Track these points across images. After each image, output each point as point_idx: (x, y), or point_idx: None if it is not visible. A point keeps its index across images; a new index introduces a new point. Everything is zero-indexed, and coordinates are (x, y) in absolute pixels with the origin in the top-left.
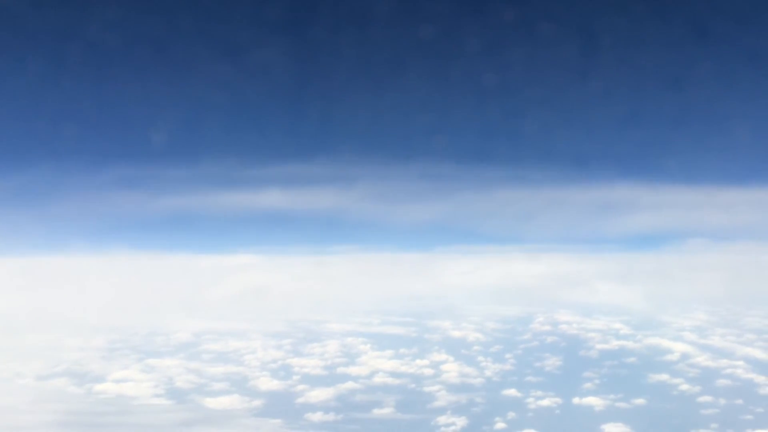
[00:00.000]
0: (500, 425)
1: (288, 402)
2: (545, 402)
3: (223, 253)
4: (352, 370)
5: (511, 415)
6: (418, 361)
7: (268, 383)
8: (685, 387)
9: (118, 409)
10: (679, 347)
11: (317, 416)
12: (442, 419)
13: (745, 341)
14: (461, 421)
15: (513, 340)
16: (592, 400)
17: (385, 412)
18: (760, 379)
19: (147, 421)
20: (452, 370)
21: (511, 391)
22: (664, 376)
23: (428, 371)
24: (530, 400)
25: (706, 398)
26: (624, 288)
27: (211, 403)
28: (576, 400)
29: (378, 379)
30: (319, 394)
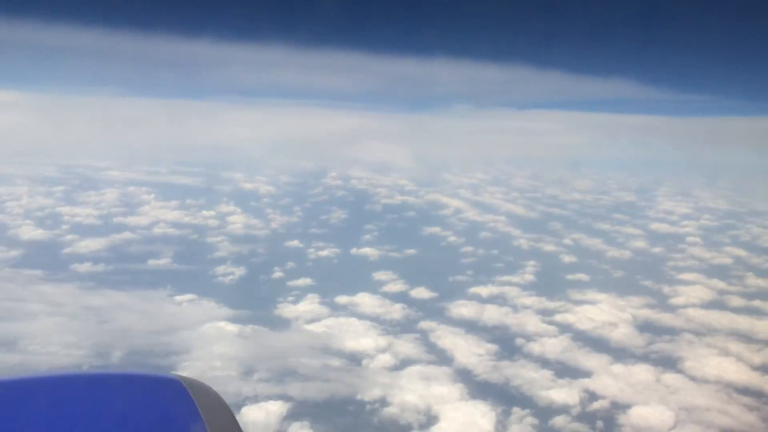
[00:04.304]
0: (278, 275)
1: (52, 252)
2: (324, 252)
3: None
4: (131, 220)
5: (290, 264)
6: (204, 212)
7: (31, 232)
8: (452, 238)
9: None
10: (454, 203)
11: (84, 267)
12: (220, 269)
13: (510, 199)
14: (240, 271)
15: (304, 193)
16: (368, 251)
17: (162, 262)
18: (515, 232)
19: None
20: (238, 221)
21: (294, 243)
22: (436, 229)
23: (213, 222)
24: (311, 251)
25: (468, 248)
26: (410, 147)
27: None
28: (354, 251)
29: (158, 230)
30: (90, 245)
